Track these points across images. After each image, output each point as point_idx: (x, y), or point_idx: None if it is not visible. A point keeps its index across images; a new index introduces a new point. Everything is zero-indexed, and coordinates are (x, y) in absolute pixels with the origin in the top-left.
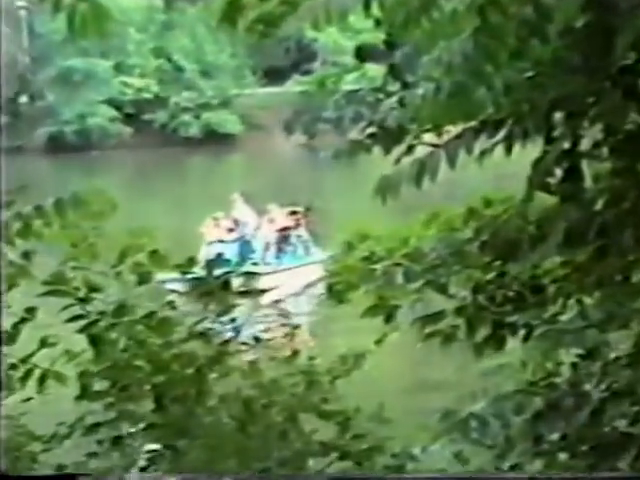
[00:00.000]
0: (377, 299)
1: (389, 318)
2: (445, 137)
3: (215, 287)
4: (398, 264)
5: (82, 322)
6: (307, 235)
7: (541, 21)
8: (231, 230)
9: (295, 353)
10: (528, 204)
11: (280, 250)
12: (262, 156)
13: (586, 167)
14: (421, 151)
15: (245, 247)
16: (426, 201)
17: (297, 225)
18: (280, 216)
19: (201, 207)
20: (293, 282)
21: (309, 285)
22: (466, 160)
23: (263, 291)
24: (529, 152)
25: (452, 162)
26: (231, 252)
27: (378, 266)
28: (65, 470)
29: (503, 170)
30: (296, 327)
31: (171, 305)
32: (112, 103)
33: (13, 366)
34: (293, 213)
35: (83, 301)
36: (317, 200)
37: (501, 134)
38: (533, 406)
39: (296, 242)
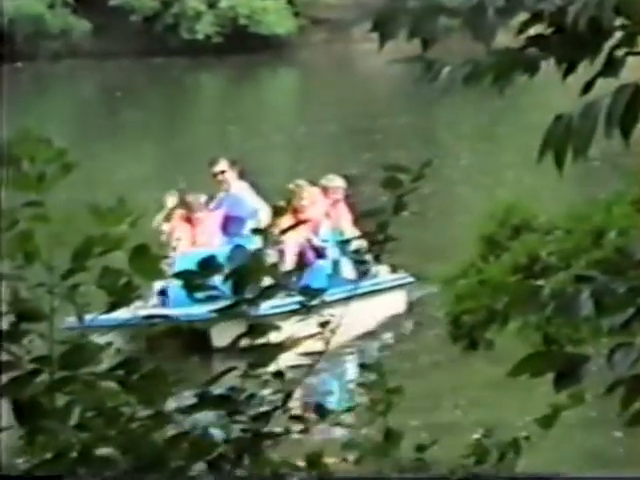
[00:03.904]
0: (542, 342)
1: (565, 378)
2: None
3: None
4: (584, 278)
5: (4, 376)
6: (358, 235)
7: None
8: (214, 233)
9: (391, 437)
10: None
11: (303, 264)
12: (330, 76)
13: None
14: (634, 68)
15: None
16: (629, 162)
17: (335, 215)
18: (310, 199)
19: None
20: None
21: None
22: None
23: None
24: None
25: None
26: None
27: (546, 281)
28: None
29: None
30: (395, 391)
31: (171, 344)
32: None
33: None
34: (324, 192)
35: (8, 338)
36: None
37: None
38: None
39: (339, 250)
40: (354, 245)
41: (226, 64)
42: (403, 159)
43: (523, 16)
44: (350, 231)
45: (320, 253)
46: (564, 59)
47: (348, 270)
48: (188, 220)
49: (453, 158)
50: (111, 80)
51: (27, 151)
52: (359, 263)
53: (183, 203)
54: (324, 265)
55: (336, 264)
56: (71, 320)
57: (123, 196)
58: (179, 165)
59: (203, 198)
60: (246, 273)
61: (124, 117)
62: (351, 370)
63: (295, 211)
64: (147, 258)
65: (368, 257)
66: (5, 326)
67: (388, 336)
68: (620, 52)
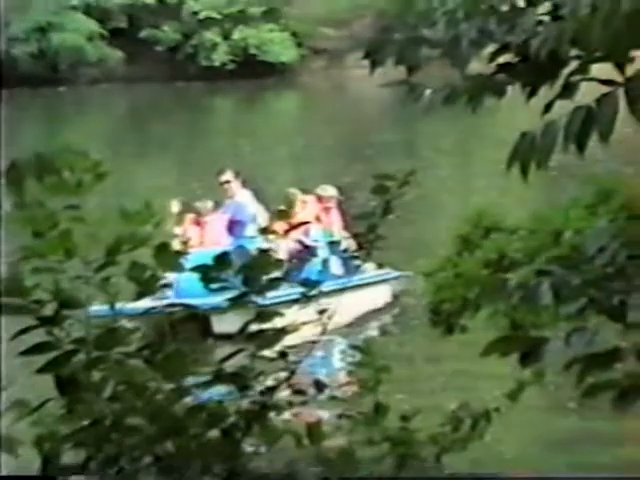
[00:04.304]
0: (509, 327)
1: (529, 358)
2: (628, 69)
3: (188, 327)
4: (544, 272)
5: (47, 355)
6: (347, 237)
7: None
8: (221, 234)
9: (379, 410)
10: None
11: (297, 262)
12: (328, 98)
13: None
14: (587, 92)
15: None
16: (585, 172)
17: (327, 220)
18: (303, 206)
19: (244, 176)
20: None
21: (355, 322)
22: None
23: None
24: None
25: (639, 110)
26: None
27: (512, 275)
28: None
29: None
30: (382, 369)
31: (189, 328)
32: (90, 11)
33: None
34: (319, 199)
35: (50, 322)
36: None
37: None
38: None
39: (328, 250)
40: (343, 245)
41: (238, 87)
42: (390, 169)
43: (493, 47)
44: (340, 234)
45: (311, 252)
46: (528, 84)
47: (336, 267)
48: (197, 223)
49: (433, 169)
50: (140, 101)
51: (67, 162)
52: (347, 260)
53: (191, 209)
54: (314, 262)
55: (325, 262)
56: (96, 309)
57: (148, 201)
58: (197, 174)
59: (210, 204)
60: (254, 267)
61: (150, 133)
62: (340, 353)
63: (286, 216)
64: (168, 254)
65: (355, 255)
66: (49, 312)
67: (374, 324)
68: (575, 78)
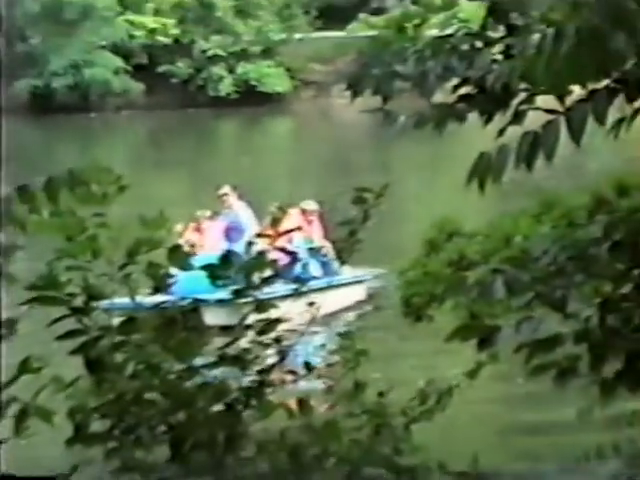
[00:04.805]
0: (468, 317)
1: (485, 343)
2: (567, 100)
3: (178, 318)
4: (498, 271)
5: (78, 340)
6: (326, 245)
7: None
8: (218, 240)
9: (358, 387)
10: None
11: (281, 267)
12: (315, 123)
13: None
14: (533, 120)
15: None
16: (533, 187)
17: (308, 230)
18: (288, 218)
19: (240, 190)
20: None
21: (329, 316)
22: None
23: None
24: None
25: (576, 134)
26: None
27: (471, 273)
28: None
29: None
30: (361, 353)
31: (197, 319)
32: (116, 49)
33: None
34: (302, 212)
35: (80, 312)
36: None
37: None
38: None
39: (308, 255)
40: (322, 251)
41: (240, 113)
42: (368, 183)
43: (455, 80)
44: (319, 241)
45: (293, 257)
46: (484, 112)
47: (315, 269)
48: (198, 230)
49: (405, 183)
50: (157, 125)
51: (95, 177)
52: (325, 264)
53: (193, 219)
54: (296, 265)
55: (305, 265)
56: (118, 301)
57: (163, 210)
58: (204, 187)
59: (209, 213)
60: (253, 267)
61: (166, 152)
62: (321, 340)
63: (274, 226)
64: (179, 255)
65: (332, 259)
66: (79, 304)
67: (351, 315)
68: (523, 107)
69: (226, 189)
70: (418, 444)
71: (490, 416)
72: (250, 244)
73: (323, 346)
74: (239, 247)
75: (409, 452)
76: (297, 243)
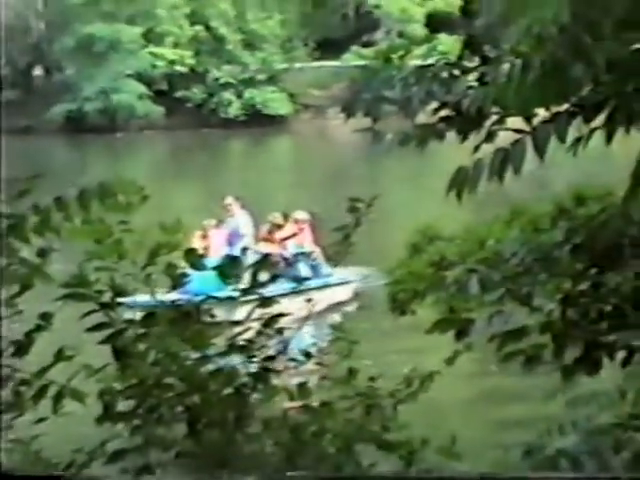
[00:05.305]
0: (447, 311)
1: (461, 334)
2: (533, 122)
3: (171, 320)
4: (473, 270)
5: (106, 331)
6: (316, 250)
7: None
8: (222, 245)
9: (352, 372)
10: (632, 202)
11: (275, 270)
12: (314, 141)
13: None
14: (504, 138)
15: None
16: (503, 197)
17: (300, 237)
18: (281, 227)
19: (242, 200)
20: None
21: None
22: (557, 149)
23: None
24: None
25: (541, 151)
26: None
27: (449, 272)
28: None
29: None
30: (354, 342)
31: (209, 313)
32: (140, 78)
33: (24, 382)
34: (295, 221)
35: (107, 307)
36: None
37: (600, 118)
38: (636, 444)
39: (299, 259)
40: (313, 256)
41: (247, 133)
42: (360, 194)
43: (435, 104)
44: (310, 247)
45: (288, 261)
46: (461, 131)
47: (305, 271)
48: (203, 237)
49: (392, 193)
50: (175, 144)
51: (120, 188)
52: (314, 267)
53: (200, 228)
54: (291, 268)
55: (297, 267)
56: (140, 298)
57: (179, 218)
58: (215, 197)
59: (213, 222)
60: (258, 267)
61: (183, 166)
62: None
63: (270, 233)
64: (194, 256)
65: (321, 263)
66: (107, 299)
67: (336, 315)
68: (495, 128)
69: (229, 200)
70: (404, 422)
71: (470, 399)
72: (245, 249)
73: (314, 344)
74: (237, 251)
75: (396, 429)
76: (290, 249)
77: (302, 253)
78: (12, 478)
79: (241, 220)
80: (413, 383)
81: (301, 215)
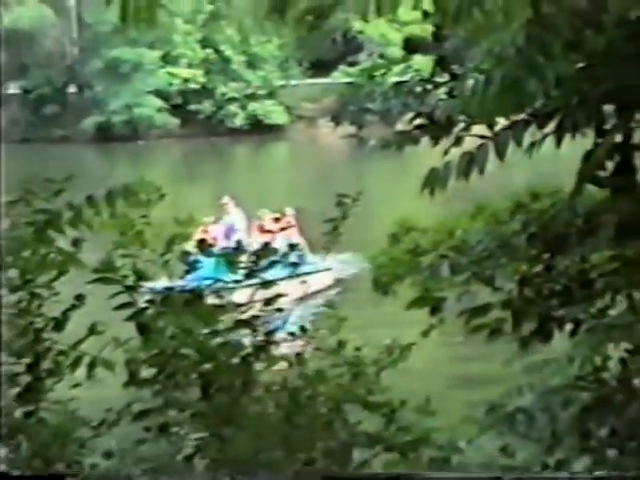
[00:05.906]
0: (423, 291)
1: (435, 310)
2: (495, 129)
3: (186, 300)
4: (444, 256)
5: (130, 310)
6: (301, 242)
7: (596, 11)
8: (220, 238)
9: (341, 344)
10: (577, 198)
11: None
12: (307, 147)
13: (638, 160)
14: (470, 143)
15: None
16: (471, 194)
17: (287, 231)
18: (269, 222)
19: (246, 197)
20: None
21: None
22: (515, 152)
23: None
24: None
25: (501, 154)
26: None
27: (424, 258)
28: (112, 457)
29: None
30: (342, 319)
31: (218, 294)
32: (159, 94)
33: (62, 353)
34: (282, 216)
35: (131, 289)
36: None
37: (551, 126)
38: (581, 401)
39: (286, 251)
40: (299, 247)
41: (250, 140)
42: (346, 190)
43: (411, 114)
44: (296, 239)
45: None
46: (433, 137)
47: (294, 259)
48: (205, 232)
49: (374, 190)
50: (189, 150)
51: (141, 188)
52: (299, 256)
53: (202, 224)
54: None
55: (285, 257)
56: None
57: (191, 213)
58: (222, 196)
59: (212, 218)
60: (260, 255)
61: (195, 169)
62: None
63: (261, 227)
64: (205, 246)
65: (305, 253)
66: (130, 283)
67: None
68: (462, 134)
69: (226, 199)
70: (386, 387)
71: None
72: (239, 241)
73: (303, 329)
74: (233, 244)
75: (379, 392)
76: (278, 241)
77: (290, 244)
78: (12, 478)
79: (236, 216)
80: (394, 353)
81: (288, 211)
